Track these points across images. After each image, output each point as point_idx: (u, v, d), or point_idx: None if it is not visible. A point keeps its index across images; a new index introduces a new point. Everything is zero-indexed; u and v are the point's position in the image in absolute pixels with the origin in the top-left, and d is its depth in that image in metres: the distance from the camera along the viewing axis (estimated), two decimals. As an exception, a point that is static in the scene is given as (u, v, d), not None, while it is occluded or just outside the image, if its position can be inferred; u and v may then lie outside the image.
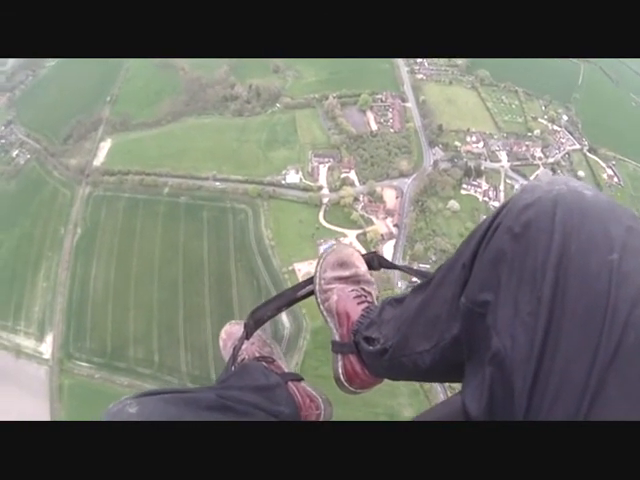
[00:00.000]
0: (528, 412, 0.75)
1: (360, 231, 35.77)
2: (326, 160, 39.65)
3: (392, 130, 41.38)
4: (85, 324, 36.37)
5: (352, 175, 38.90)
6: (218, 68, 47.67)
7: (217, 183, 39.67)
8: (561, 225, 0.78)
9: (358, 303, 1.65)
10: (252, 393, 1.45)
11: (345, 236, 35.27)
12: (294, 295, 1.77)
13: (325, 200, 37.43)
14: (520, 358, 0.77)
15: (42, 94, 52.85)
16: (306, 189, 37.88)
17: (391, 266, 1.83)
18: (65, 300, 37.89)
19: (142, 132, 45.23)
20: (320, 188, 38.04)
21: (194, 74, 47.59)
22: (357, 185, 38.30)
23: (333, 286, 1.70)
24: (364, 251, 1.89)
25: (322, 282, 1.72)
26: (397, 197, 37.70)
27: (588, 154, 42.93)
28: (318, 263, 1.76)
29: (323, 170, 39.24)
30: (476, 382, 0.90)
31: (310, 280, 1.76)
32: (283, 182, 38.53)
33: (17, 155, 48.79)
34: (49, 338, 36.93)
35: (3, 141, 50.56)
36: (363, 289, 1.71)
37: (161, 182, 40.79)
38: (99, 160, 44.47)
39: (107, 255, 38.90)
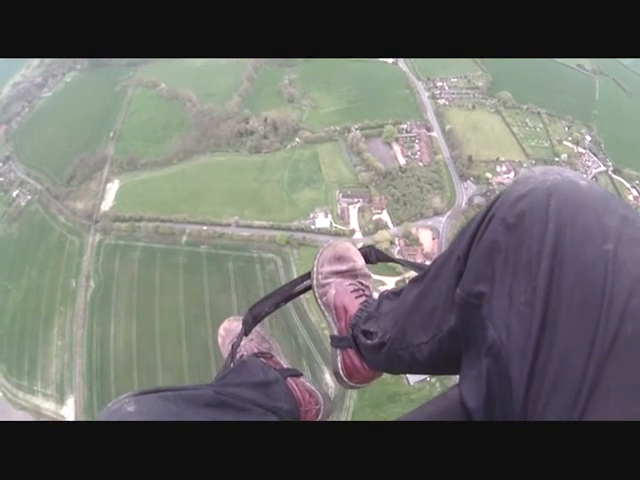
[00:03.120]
0: (526, 403, 0.71)
1: (399, 278, 31.57)
2: (355, 200, 35.36)
3: (421, 164, 37.22)
4: (109, 388, 32.01)
5: (384, 216, 34.65)
6: (229, 99, 42.66)
7: (240, 230, 34.84)
8: (555, 215, 0.74)
9: (356, 297, 1.57)
10: (250, 389, 1.36)
11: (384, 284, 30.98)
12: (292, 290, 1.67)
13: (359, 246, 32.98)
14: (516, 349, 0.73)
15: (40, 127, 47.52)
16: (338, 234, 33.66)
17: (388, 259, 1.75)
18: (84, 361, 33.54)
19: (152, 172, 40.34)
20: (352, 232, 33.82)
21: (203, 107, 42.36)
22: (391, 227, 34.14)
23: (331, 280, 1.62)
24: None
25: (320, 277, 1.64)
26: (434, 238, 33.75)
27: (613, 175, 39.92)
28: (315, 258, 1.68)
29: (353, 212, 34.97)
30: (473, 374, 0.87)
31: (308, 275, 1.66)
32: (312, 227, 34.09)
33: (17, 195, 43.51)
34: (70, 401, 32.51)
35: (2, 179, 45.58)
36: (361, 283, 1.62)
37: (178, 229, 36.10)
38: (107, 204, 39.55)
39: (126, 311, 34.28)
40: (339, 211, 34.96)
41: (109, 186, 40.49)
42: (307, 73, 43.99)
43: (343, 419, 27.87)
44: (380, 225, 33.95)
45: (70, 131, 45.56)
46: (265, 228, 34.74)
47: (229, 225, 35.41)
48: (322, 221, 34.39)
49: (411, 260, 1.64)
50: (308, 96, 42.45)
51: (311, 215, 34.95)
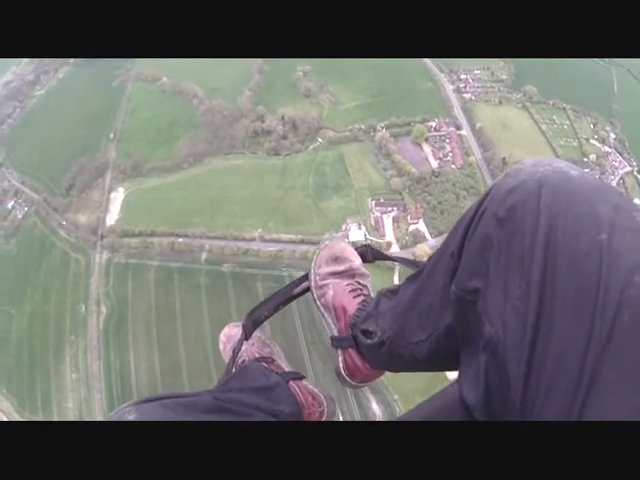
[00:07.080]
0: (525, 397, 0.65)
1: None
2: (389, 209, 28.99)
3: (454, 167, 30.75)
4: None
5: (421, 226, 28.31)
6: (239, 95, 34.59)
7: (266, 245, 27.96)
8: (547, 207, 0.67)
9: (354, 297, 1.43)
10: (251, 394, 1.26)
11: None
12: (290, 292, 1.52)
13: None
14: (513, 344, 0.67)
15: (34, 130, 38.81)
16: (374, 248, 26.91)
17: (385, 257, 1.60)
18: (103, 398, 26.94)
19: (159, 179, 32.77)
20: (389, 245, 27.64)
21: (211, 103, 34.22)
22: (429, 238, 27.92)
23: (328, 281, 1.47)
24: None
25: (317, 278, 1.48)
26: (475, 250, 27.51)
27: (638, 176, 34.18)
28: (312, 259, 1.53)
29: (388, 222, 28.60)
30: (472, 370, 0.79)
31: (305, 277, 1.51)
32: (346, 240, 27.18)
33: (13, 207, 35.17)
34: (93, 442, 25.91)
35: (-5, 189, 36.47)
36: (358, 282, 1.48)
37: (196, 246, 28.88)
38: (113, 217, 32.00)
39: (145, 341, 27.69)
40: (372, 221, 28.62)
41: (113, 195, 32.82)
42: (321, 64, 36.15)
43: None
44: (418, 237, 27.87)
45: (66, 133, 37.20)
46: (294, 242, 28.15)
47: (253, 240, 28.56)
48: (356, 234, 27.99)
49: (407, 257, 1.51)
50: (326, 90, 35.00)
51: (343, 227, 28.48)
